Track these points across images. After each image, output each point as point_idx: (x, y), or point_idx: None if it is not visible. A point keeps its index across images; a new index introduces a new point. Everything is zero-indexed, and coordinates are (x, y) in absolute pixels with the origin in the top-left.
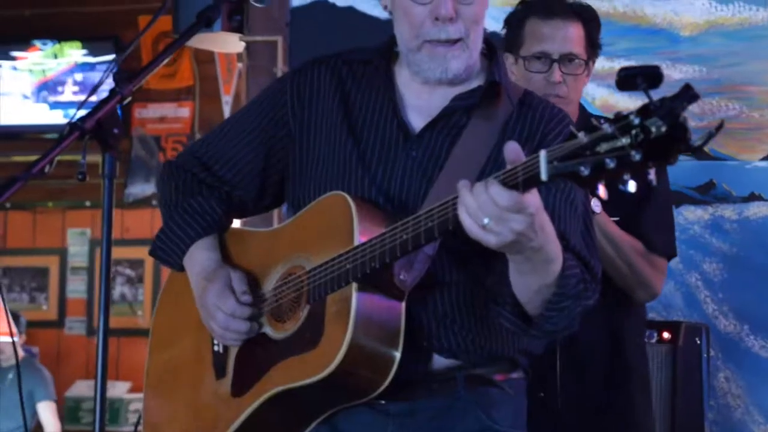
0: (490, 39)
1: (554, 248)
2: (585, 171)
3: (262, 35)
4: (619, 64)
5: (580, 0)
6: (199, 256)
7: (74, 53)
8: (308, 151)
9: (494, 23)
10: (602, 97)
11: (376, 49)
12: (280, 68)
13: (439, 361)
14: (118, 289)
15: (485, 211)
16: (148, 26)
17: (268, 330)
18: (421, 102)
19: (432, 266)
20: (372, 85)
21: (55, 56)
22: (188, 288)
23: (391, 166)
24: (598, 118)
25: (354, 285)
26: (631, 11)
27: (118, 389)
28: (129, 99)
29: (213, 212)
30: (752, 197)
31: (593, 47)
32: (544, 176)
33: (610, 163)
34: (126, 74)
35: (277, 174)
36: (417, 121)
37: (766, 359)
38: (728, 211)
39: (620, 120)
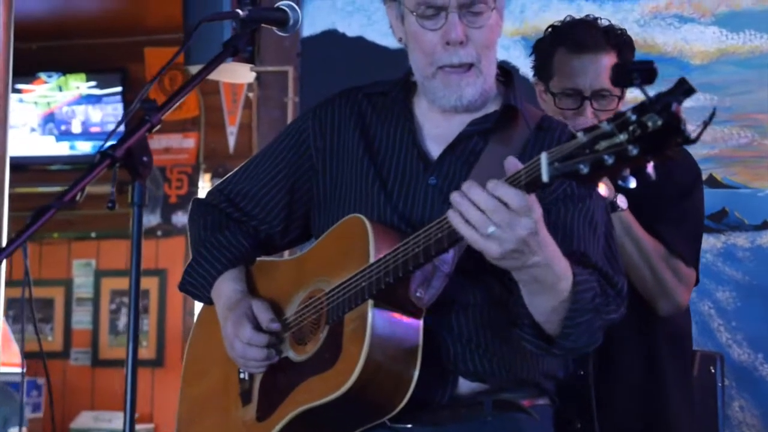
0: (505, 66)
1: (561, 265)
2: (585, 169)
3: (273, 65)
4: (629, 92)
5: (612, 25)
6: (225, 288)
7: (80, 85)
8: (331, 183)
9: (504, 52)
10: None
11: (394, 81)
12: (291, 98)
13: (465, 385)
14: (123, 319)
15: (494, 216)
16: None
17: (290, 354)
18: (439, 131)
19: (451, 287)
20: (391, 116)
21: (60, 89)
22: (217, 321)
23: (412, 194)
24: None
25: (370, 302)
26: (642, 39)
27: (122, 420)
28: (159, 127)
29: (240, 245)
30: (765, 225)
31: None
32: (545, 177)
33: (609, 160)
34: (154, 103)
35: (302, 207)
36: (435, 149)
37: None
38: (741, 240)
39: (618, 117)
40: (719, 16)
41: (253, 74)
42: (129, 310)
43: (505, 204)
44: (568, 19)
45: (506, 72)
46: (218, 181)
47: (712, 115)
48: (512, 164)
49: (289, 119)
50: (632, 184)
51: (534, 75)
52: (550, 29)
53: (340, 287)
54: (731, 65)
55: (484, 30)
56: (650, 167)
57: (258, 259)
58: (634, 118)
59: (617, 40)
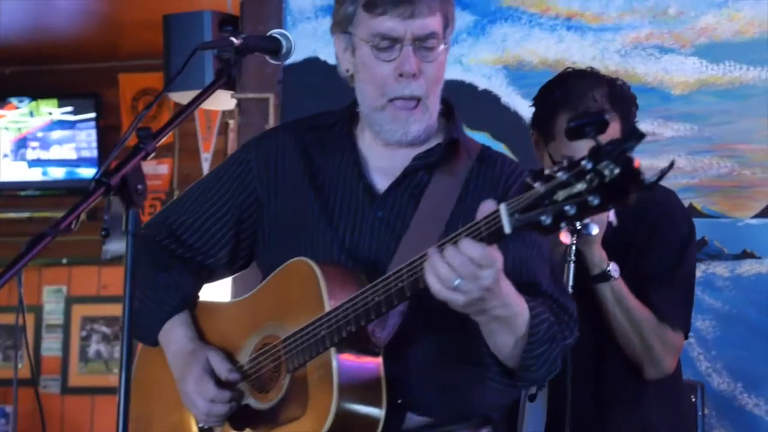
0: (447, 99)
1: (518, 303)
2: (547, 220)
3: (254, 92)
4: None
5: (619, 85)
6: (175, 334)
7: (52, 111)
8: (276, 216)
9: (486, 81)
10: None
11: (337, 113)
12: (272, 125)
13: (413, 420)
14: (94, 346)
15: (460, 271)
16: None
17: (251, 401)
18: (383, 163)
19: (404, 322)
20: (335, 148)
21: (32, 114)
22: (165, 365)
23: (358, 227)
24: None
25: (332, 349)
26: (623, 69)
27: None
28: (153, 155)
29: (186, 285)
30: (745, 255)
31: None
32: (507, 229)
33: (571, 210)
34: (149, 131)
35: (248, 239)
36: (381, 181)
37: (760, 417)
38: (721, 269)
39: (573, 167)
40: (699, 47)
41: (234, 101)
42: (121, 342)
43: (470, 258)
44: (569, 71)
45: (448, 106)
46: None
47: (671, 165)
48: (488, 207)
49: None
50: (594, 231)
51: (533, 124)
52: (555, 84)
53: (297, 335)
54: (711, 96)
55: (435, 65)
56: (612, 215)
57: (200, 300)
58: (589, 166)
59: (622, 105)
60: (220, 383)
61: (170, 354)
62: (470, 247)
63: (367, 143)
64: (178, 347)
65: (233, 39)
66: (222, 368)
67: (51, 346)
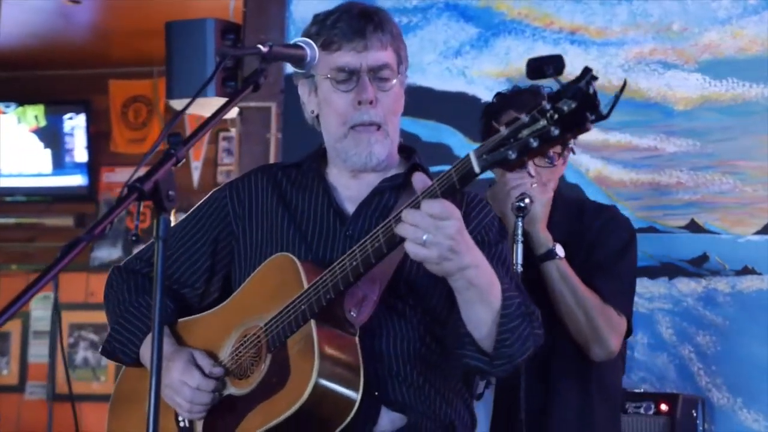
0: (406, 143)
1: (489, 270)
2: (513, 155)
3: (256, 101)
4: (612, 136)
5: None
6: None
7: (39, 116)
8: (252, 245)
9: (488, 93)
10: (596, 168)
11: (306, 155)
12: (274, 134)
13: (387, 416)
14: (81, 353)
15: (423, 226)
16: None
17: (232, 390)
18: (351, 192)
19: (382, 317)
20: (306, 182)
21: (19, 119)
22: (143, 382)
23: (330, 245)
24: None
25: (313, 321)
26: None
27: None
28: (183, 161)
29: (166, 307)
30: (745, 270)
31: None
32: (477, 169)
33: (534, 143)
34: (180, 137)
35: (222, 270)
36: (350, 206)
37: None
38: (722, 285)
39: (534, 109)
40: (702, 63)
41: (236, 110)
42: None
43: (429, 214)
44: (515, 88)
45: (408, 149)
46: (182, 216)
47: (622, 89)
48: (419, 181)
49: (272, 155)
50: (558, 163)
51: (482, 139)
52: (497, 96)
53: (277, 317)
54: (714, 112)
55: (390, 94)
56: (572, 144)
57: (180, 320)
58: (549, 106)
59: None
60: (204, 373)
61: (149, 361)
62: (427, 205)
63: (334, 176)
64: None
65: (260, 47)
66: (206, 363)
67: (38, 352)
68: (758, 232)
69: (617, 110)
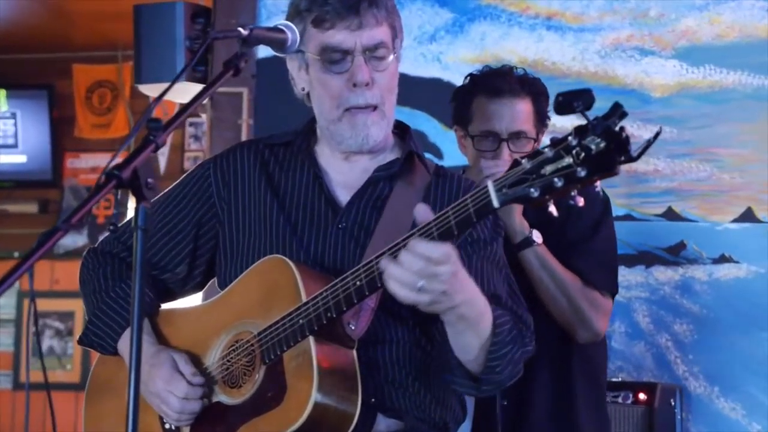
0: (401, 121)
1: (481, 302)
2: (535, 192)
3: (227, 87)
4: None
5: (527, 73)
6: None
7: (0, 101)
8: (238, 232)
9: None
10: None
11: (295, 131)
12: (245, 120)
13: (383, 423)
14: (47, 342)
15: (421, 273)
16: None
17: (222, 398)
18: (344, 177)
19: (377, 324)
20: (295, 165)
21: None
22: (122, 373)
23: (322, 238)
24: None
25: (311, 337)
26: (603, 71)
27: None
28: (164, 146)
29: (145, 295)
30: (723, 259)
31: (542, 122)
32: (496, 203)
33: (558, 182)
34: (159, 123)
35: (205, 255)
36: (343, 194)
37: (737, 421)
38: (699, 273)
39: (559, 143)
40: (679, 49)
41: None
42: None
43: (428, 258)
44: (485, 69)
45: (402, 125)
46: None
47: (656, 136)
48: (423, 213)
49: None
50: (580, 202)
51: (454, 122)
52: (468, 77)
53: (272, 327)
54: (691, 99)
55: (386, 74)
56: (599, 185)
57: (162, 308)
58: (575, 142)
59: (531, 88)
60: (190, 381)
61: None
62: (426, 248)
63: (326, 158)
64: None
65: (241, 30)
66: (188, 371)
67: (3, 341)
68: (735, 220)
69: (595, 97)
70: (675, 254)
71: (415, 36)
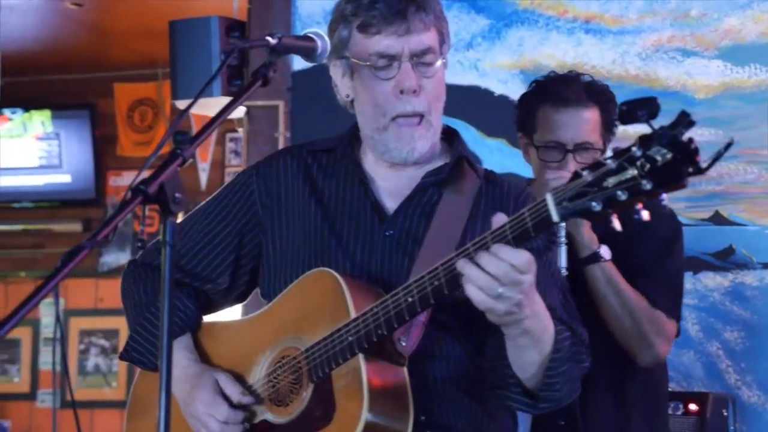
0: (449, 126)
1: (546, 315)
2: (597, 206)
3: (263, 100)
4: (632, 126)
5: (595, 80)
6: (178, 357)
7: (45, 121)
8: (282, 240)
9: (502, 86)
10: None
11: (338, 137)
12: (282, 133)
13: None
14: (92, 360)
15: (504, 279)
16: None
17: (269, 416)
18: (390, 184)
19: (428, 339)
20: (339, 171)
21: (25, 125)
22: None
23: (369, 247)
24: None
25: (360, 356)
26: (644, 74)
27: None
28: (190, 161)
29: (187, 309)
30: None
31: (609, 130)
32: (555, 218)
33: (622, 195)
34: (187, 136)
35: (249, 264)
36: (389, 201)
37: None
38: (749, 278)
39: (622, 154)
40: (723, 49)
41: (243, 109)
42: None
43: (512, 265)
44: (551, 75)
45: (450, 131)
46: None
47: (728, 146)
48: (500, 219)
49: None
50: (645, 216)
51: (518, 129)
52: (534, 84)
53: (320, 344)
54: (736, 100)
55: (434, 81)
56: (665, 198)
57: (204, 322)
58: (639, 153)
59: (599, 96)
60: (232, 404)
61: (172, 377)
62: (511, 255)
63: (371, 165)
64: (181, 370)
65: (269, 39)
66: (234, 391)
67: (49, 359)
68: None
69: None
70: (723, 259)
71: (451, 43)
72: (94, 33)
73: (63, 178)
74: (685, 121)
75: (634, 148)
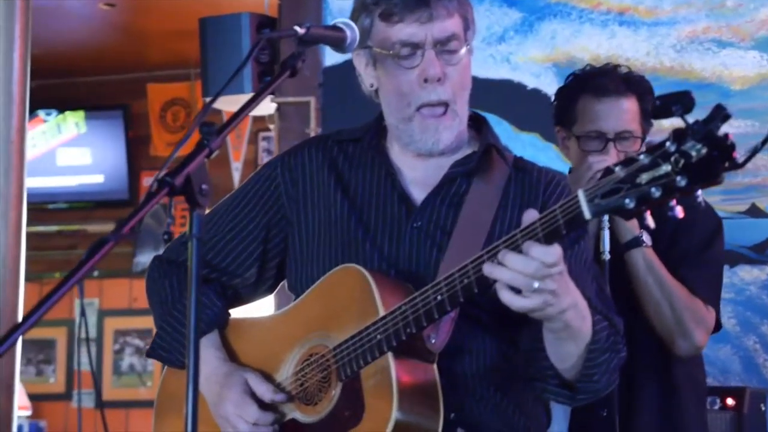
0: (476, 112)
1: (583, 303)
2: (630, 203)
3: (294, 96)
4: (667, 119)
5: (631, 71)
6: (207, 356)
7: (79, 122)
8: (309, 232)
9: (535, 80)
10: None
11: (364, 127)
12: (313, 129)
13: None
14: (127, 359)
15: (535, 275)
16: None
17: (297, 415)
18: (417, 174)
19: (457, 333)
20: (365, 162)
21: (59, 126)
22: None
23: (396, 238)
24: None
25: (389, 354)
26: (679, 65)
27: None
28: (216, 153)
29: (214, 306)
30: None
31: (648, 120)
32: (587, 215)
33: (656, 192)
34: (214, 127)
35: (276, 258)
36: (417, 192)
37: None
38: None
39: (656, 149)
40: (759, 39)
41: (274, 105)
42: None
43: (543, 263)
44: (588, 68)
45: (478, 117)
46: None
47: (765, 141)
48: (531, 216)
49: None
50: (680, 214)
51: (556, 123)
52: (571, 77)
53: (348, 342)
54: None
55: (459, 68)
56: (701, 196)
57: (232, 318)
58: (674, 148)
59: (636, 86)
60: (262, 405)
61: (202, 377)
62: (542, 252)
63: (397, 155)
64: (210, 369)
65: (297, 28)
66: (264, 390)
67: (84, 360)
68: None
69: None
70: (760, 252)
71: (483, 37)
72: (127, 34)
73: (96, 179)
74: (720, 115)
75: (668, 143)
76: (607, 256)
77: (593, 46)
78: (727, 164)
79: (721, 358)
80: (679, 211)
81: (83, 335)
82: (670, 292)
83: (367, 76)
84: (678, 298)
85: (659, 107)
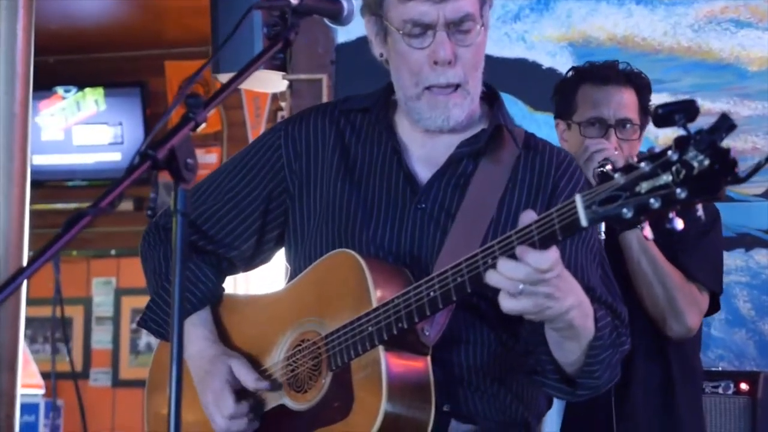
0: (490, 84)
1: (587, 302)
2: (628, 213)
3: (306, 73)
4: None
5: (631, 67)
6: (195, 335)
7: (98, 99)
8: (309, 207)
9: (550, 59)
10: (666, 136)
11: (373, 96)
12: None
13: (456, 429)
14: (144, 338)
15: (528, 280)
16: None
17: (287, 401)
18: (425, 151)
19: (453, 323)
20: (372, 136)
21: (78, 103)
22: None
23: (399, 219)
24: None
25: (380, 347)
26: (696, 46)
27: None
28: (203, 125)
29: (207, 280)
30: None
31: (645, 114)
32: (584, 222)
33: (655, 203)
34: (199, 100)
35: (274, 231)
36: (423, 171)
37: None
38: None
39: (657, 157)
40: None
41: (286, 82)
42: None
43: (535, 269)
44: (587, 63)
45: (491, 91)
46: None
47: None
48: (529, 217)
49: None
50: (679, 225)
51: (555, 116)
52: (572, 70)
53: (340, 332)
54: None
55: (472, 49)
56: (701, 209)
57: (225, 294)
58: (675, 157)
59: (636, 80)
60: (239, 396)
61: (188, 356)
62: (535, 258)
63: (406, 130)
64: (197, 349)
65: None
66: (248, 378)
67: (101, 338)
68: None
69: (688, 73)
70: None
71: (498, 15)
72: (145, 10)
73: (114, 157)
74: (725, 125)
75: (670, 152)
76: (602, 236)
77: (609, 25)
78: (729, 178)
79: (737, 342)
80: (678, 223)
81: (58, 314)
82: (663, 273)
83: (377, 45)
84: (671, 279)
85: (661, 115)
